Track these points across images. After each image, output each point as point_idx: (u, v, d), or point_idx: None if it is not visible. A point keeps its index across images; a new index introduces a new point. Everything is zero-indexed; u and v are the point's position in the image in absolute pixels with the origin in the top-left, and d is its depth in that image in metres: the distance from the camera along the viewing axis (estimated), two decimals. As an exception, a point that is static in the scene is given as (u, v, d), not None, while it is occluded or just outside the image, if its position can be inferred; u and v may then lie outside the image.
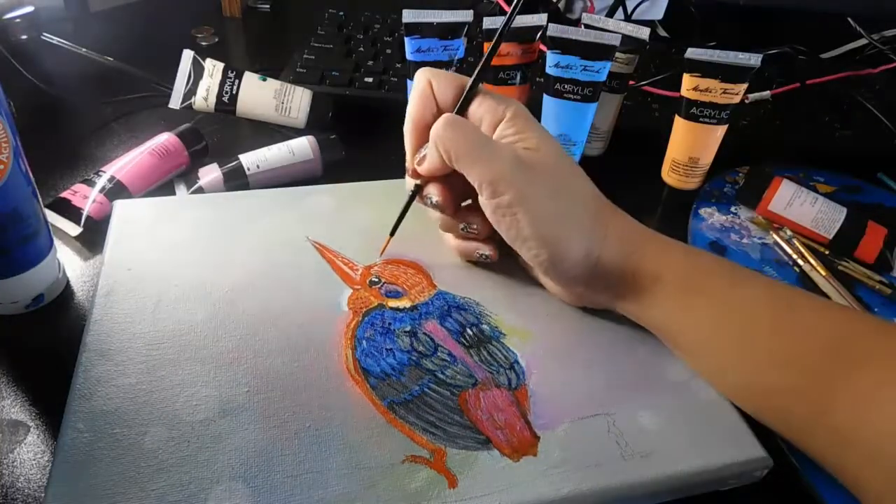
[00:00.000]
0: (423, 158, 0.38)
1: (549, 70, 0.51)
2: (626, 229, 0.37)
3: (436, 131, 0.36)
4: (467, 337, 0.37)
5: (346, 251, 0.42)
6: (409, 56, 0.51)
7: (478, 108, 0.37)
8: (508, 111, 0.36)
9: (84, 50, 0.62)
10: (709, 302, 0.35)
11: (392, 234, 0.41)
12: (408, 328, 0.37)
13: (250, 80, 0.57)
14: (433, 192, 0.39)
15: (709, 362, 0.35)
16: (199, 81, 0.56)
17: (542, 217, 0.35)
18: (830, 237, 0.50)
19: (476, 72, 0.37)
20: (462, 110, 0.38)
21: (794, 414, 0.32)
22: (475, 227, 0.39)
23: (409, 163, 0.39)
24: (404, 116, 0.55)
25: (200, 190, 0.50)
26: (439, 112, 0.38)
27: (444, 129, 0.36)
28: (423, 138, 0.38)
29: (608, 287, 0.37)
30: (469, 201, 0.41)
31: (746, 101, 0.63)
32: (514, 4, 0.38)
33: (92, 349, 0.34)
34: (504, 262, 0.42)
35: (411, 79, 0.52)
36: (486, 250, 0.40)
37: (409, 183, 0.40)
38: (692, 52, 0.49)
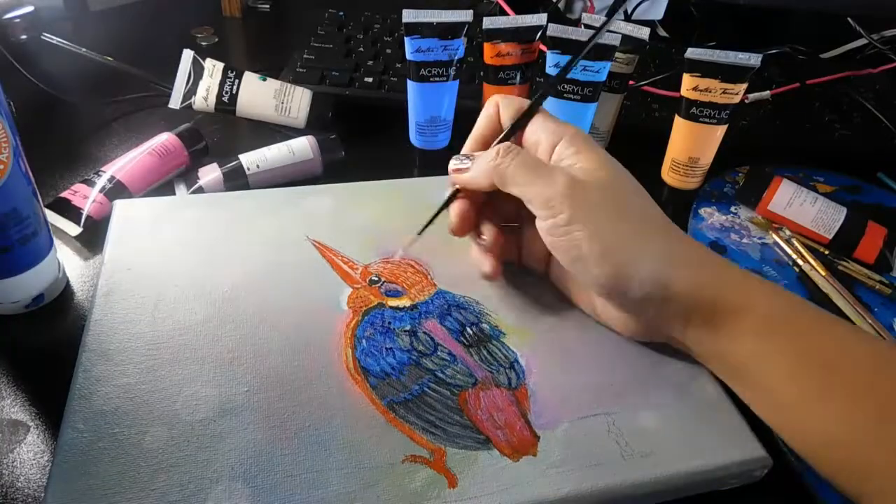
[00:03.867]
0: (464, 169, 0.37)
1: (549, 70, 0.51)
2: (701, 255, 0.34)
3: (493, 159, 0.35)
4: (467, 336, 0.37)
5: (346, 251, 0.42)
6: (409, 56, 0.51)
7: (536, 130, 0.37)
8: (566, 134, 0.36)
9: (84, 50, 0.62)
10: (797, 337, 0.32)
11: (420, 233, 0.40)
12: (408, 327, 0.37)
13: (250, 79, 0.57)
14: (455, 211, 0.39)
15: (791, 403, 0.32)
16: (199, 81, 0.56)
17: (603, 234, 0.33)
18: (830, 237, 0.50)
19: (536, 97, 0.38)
20: (516, 129, 0.38)
21: (877, 472, 0.29)
22: (485, 237, 0.39)
23: (453, 179, 0.39)
24: (404, 116, 0.55)
25: (200, 190, 0.50)
26: (499, 132, 0.38)
27: (503, 157, 0.35)
28: (479, 150, 0.39)
29: (679, 315, 0.34)
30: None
31: (746, 101, 0.63)
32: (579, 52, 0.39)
33: (92, 349, 0.34)
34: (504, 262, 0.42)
35: (411, 79, 0.52)
36: (486, 267, 0.39)
37: (450, 182, 0.39)
38: (692, 52, 0.49)
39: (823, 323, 0.32)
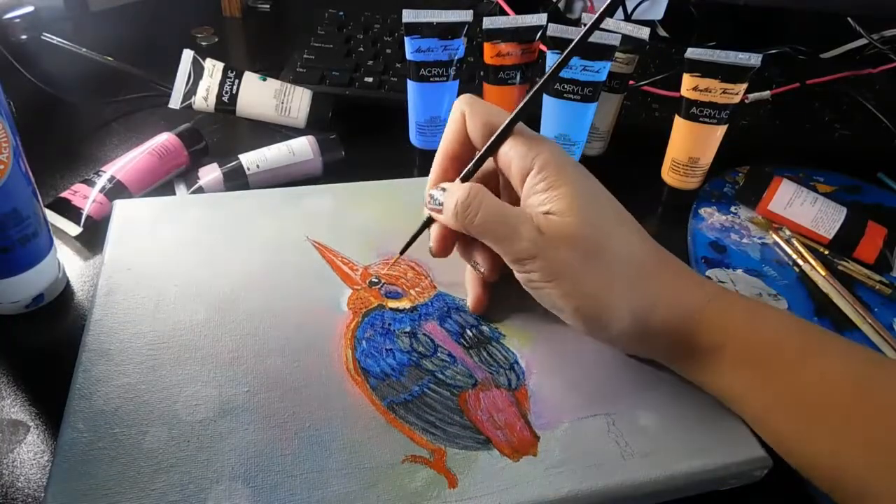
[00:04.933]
0: (439, 210, 0.35)
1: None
2: (678, 290, 0.33)
3: (453, 212, 0.34)
4: (467, 338, 0.37)
5: (345, 251, 0.42)
6: (409, 56, 0.51)
7: (506, 153, 0.34)
8: (537, 161, 0.33)
9: (84, 50, 0.62)
10: (775, 375, 0.31)
11: (401, 253, 0.40)
12: (407, 329, 0.37)
13: (250, 79, 0.57)
14: (436, 238, 0.37)
15: (774, 435, 0.32)
16: (199, 81, 0.56)
17: (575, 289, 0.32)
18: (830, 237, 0.50)
19: (506, 123, 0.34)
20: (482, 161, 0.36)
21: (871, 493, 0.29)
22: (482, 268, 0.38)
23: (429, 187, 0.37)
24: (404, 116, 0.55)
25: (200, 190, 0.50)
26: (472, 148, 0.36)
27: (462, 207, 0.33)
28: (449, 170, 0.37)
29: (661, 349, 0.34)
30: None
31: (746, 101, 0.63)
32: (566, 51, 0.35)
33: (92, 349, 0.34)
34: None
35: (411, 79, 0.52)
36: (470, 300, 0.38)
37: (425, 211, 0.38)
38: (692, 52, 0.49)
39: (806, 353, 0.31)
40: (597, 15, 0.34)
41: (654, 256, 0.34)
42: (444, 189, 0.36)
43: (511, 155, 0.34)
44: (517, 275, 0.34)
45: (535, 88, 0.35)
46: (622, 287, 0.33)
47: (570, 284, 0.32)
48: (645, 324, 0.33)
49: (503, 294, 0.40)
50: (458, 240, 0.38)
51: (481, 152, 0.35)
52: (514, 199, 0.35)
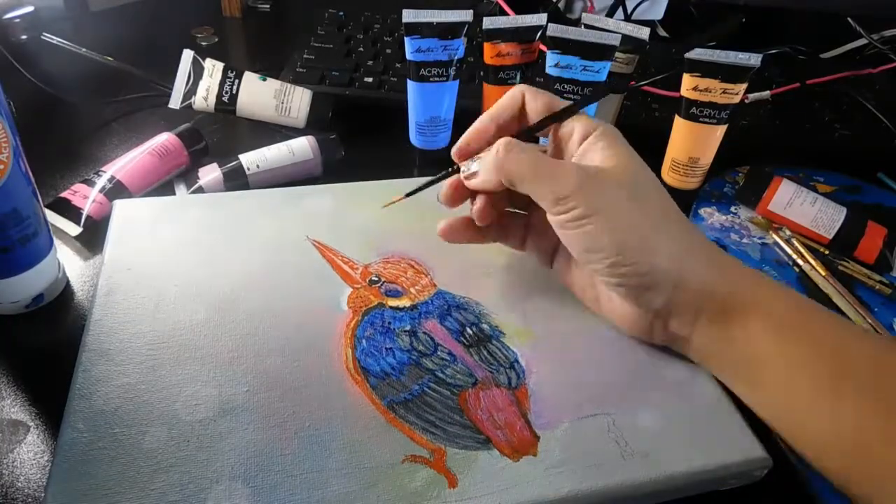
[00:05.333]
0: (472, 174, 0.37)
1: (549, 70, 0.51)
2: (715, 253, 0.35)
3: (495, 156, 0.35)
4: (467, 336, 0.37)
5: (345, 251, 0.42)
6: (409, 56, 0.51)
7: (570, 123, 0.36)
8: (600, 128, 0.35)
9: (84, 50, 0.62)
10: (806, 338, 0.32)
11: (408, 195, 0.39)
12: (407, 327, 0.37)
13: (250, 79, 0.57)
14: (478, 207, 0.38)
15: (793, 404, 0.32)
16: (199, 81, 0.56)
17: (617, 225, 0.33)
18: (830, 237, 0.50)
19: (576, 102, 0.37)
20: (543, 126, 0.37)
21: (886, 472, 0.29)
22: (476, 203, 0.38)
23: (460, 141, 0.38)
24: (404, 116, 0.55)
25: (200, 190, 0.50)
26: (519, 123, 0.38)
27: (505, 153, 0.35)
28: (488, 131, 0.38)
29: (690, 309, 0.34)
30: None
31: (746, 101, 0.63)
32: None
33: (92, 349, 0.34)
34: (504, 262, 0.42)
35: (411, 79, 0.52)
36: (441, 223, 0.39)
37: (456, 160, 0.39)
38: (692, 52, 0.49)
39: (833, 323, 0.33)
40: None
41: (691, 223, 0.35)
42: (479, 157, 0.37)
43: (575, 125, 0.36)
44: (554, 220, 0.34)
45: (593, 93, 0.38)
46: (664, 233, 0.33)
47: (612, 217, 0.33)
48: (681, 274, 0.33)
49: (504, 291, 0.40)
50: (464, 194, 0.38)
51: (545, 117, 0.37)
52: None
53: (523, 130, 0.37)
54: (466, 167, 0.37)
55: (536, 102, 0.37)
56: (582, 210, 0.33)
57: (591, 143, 0.35)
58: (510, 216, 0.40)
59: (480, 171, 0.36)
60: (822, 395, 0.31)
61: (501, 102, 0.38)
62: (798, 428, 0.32)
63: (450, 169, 0.39)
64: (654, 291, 0.33)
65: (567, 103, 0.37)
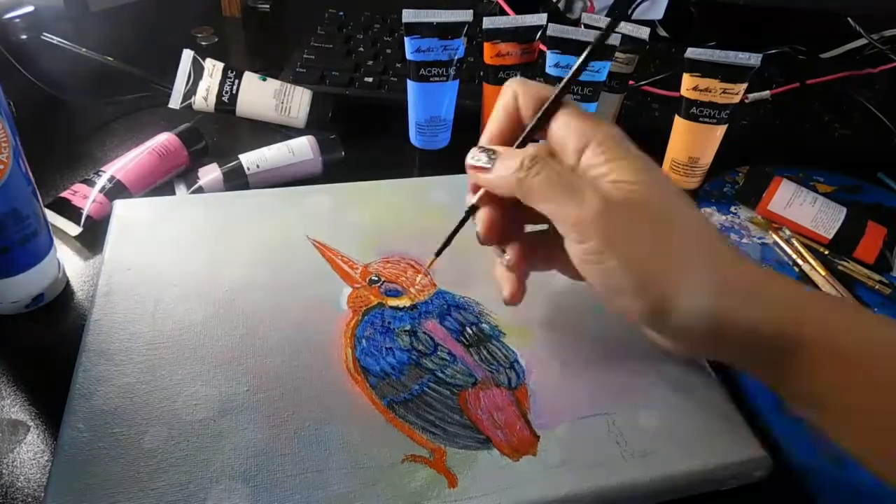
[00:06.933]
0: (486, 168, 0.32)
1: (549, 70, 0.51)
2: (756, 280, 0.30)
3: (511, 166, 0.31)
4: (467, 336, 0.37)
5: (345, 250, 0.42)
6: (409, 56, 0.51)
7: (561, 128, 0.32)
8: (596, 136, 0.30)
9: (84, 50, 0.62)
10: (869, 369, 0.28)
11: (437, 254, 0.37)
12: (407, 327, 0.37)
13: (250, 79, 0.57)
14: (484, 220, 0.34)
15: (863, 440, 0.29)
16: (199, 81, 0.56)
17: (639, 264, 0.29)
18: (830, 237, 0.50)
19: (559, 87, 0.32)
20: (537, 129, 0.33)
21: None
22: (508, 257, 0.35)
23: (473, 178, 0.34)
24: (404, 116, 0.55)
25: (200, 190, 0.50)
26: (521, 128, 0.34)
27: (529, 161, 0.31)
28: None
29: (734, 352, 0.30)
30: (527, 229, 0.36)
31: (746, 101, 0.63)
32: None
33: (92, 349, 0.34)
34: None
35: (411, 79, 0.52)
36: (505, 291, 0.35)
37: (469, 199, 0.35)
38: (692, 52, 0.49)
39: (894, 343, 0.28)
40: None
41: (724, 242, 0.30)
42: (493, 150, 0.33)
43: (568, 131, 0.32)
44: (572, 248, 0.30)
45: (583, 56, 0.33)
46: (692, 268, 0.29)
47: (633, 252, 0.29)
48: (716, 317, 0.28)
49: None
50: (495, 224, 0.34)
51: (537, 116, 0.33)
52: None
53: (520, 140, 0.34)
54: (476, 158, 0.33)
55: (527, 99, 0.33)
56: (598, 243, 0.29)
57: (591, 157, 0.31)
58: (525, 250, 0.35)
59: (494, 171, 0.32)
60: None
61: (496, 113, 0.35)
62: (884, 452, 0.28)
63: (467, 209, 0.35)
64: (688, 335, 0.30)
65: (555, 90, 0.33)
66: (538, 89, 0.33)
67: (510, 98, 0.34)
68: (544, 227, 0.35)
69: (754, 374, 0.31)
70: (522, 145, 0.34)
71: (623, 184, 0.29)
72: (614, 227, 0.29)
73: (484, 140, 0.35)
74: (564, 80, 0.32)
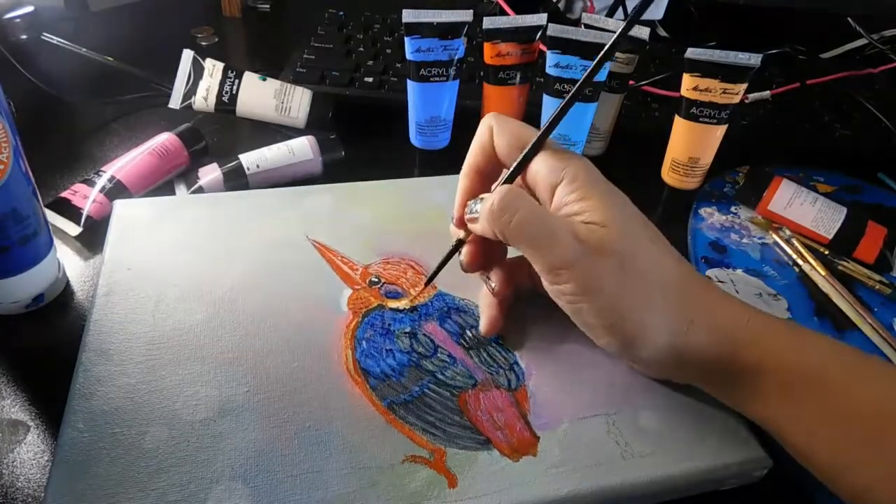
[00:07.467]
0: (475, 218, 0.34)
1: (549, 70, 0.51)
2: (718, 312, 0.32)
3: (489, 210, 0.32)
4: (467, 338, 0.37)
5: (345, 251, 0.42)
6: (409, 56, 0.51)
7: (537, 163, 0.33)
8: (567, 173, 0.32)
9: (84, 50, 0.62)
10: (823, 401, 0.30)
11: (427, 283, 0.39)
12: (407, 329, 0.37)
13: (250, 79, 0.57)
14: (468, 253, 0.36)
15: (816, 466, 0.31)
16: (199, 81, 0.56)
17: (610, 306, 0.31)
18: (830, 237, 0.50)
19: (539, 133, 0.34)
20: (516, 174, 0.34)
21: None
22: (493, 284, 0.37)
23: (456, 210, 0.37)
24: (404, 116, 0.55)
25: (200, 190, 0.50)
26: (498, 163, 0.35)
27: (498, 208, 0.32)
28: (476, 185, 0.36)
29: (697, 373, 0.33)
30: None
31: (746, 101, 0.63)
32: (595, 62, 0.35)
33: (92, 349, 0.34)
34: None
35: (411, 79, 0.52)
36: (483, 321, 0.37)
37: (454, 232, 0.37)
38: (692, 52, 0.49)
39: (850, 377, 0.30)
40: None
41: (690, 276, 0.33)
42: (482, 199, 0.34)
43: (539, 168, 0.33)
44: (548, 287, 0.33)
45: (567, 99, 0.34)
46: (659, 305, 0.31)
47: (605, 299, 0.31)
48: (683, 345, 0.31)
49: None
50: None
51: (518, 160, 0.34)
52: None
53: (502, 182, 0.35)
54: (470, 209, 0.35)
55: (502, 138, 0.34)
56: (574, 287, 0.31)
57: (561, 198, 0.32)
58: (510, 280, 0.37)
59: (479, 220, 0.34)
60: (843, 461, 0.29)
61: (473, 149, 0.36)
62: (828, 478, 0.30)
63: (456, 241, 0.37)
64: (654, 365, 0.33)
65: (535, 133, 0.34)
66: (513, 127, 0.35)
67: (486, 135, 0.35)
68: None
69: (723, 398, 0.33)
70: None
71: (594, 226, 0.31)
72: (587, 276, 0.31)
73: (462, 173, 0.37)
74: (548, 122, 0.34)
